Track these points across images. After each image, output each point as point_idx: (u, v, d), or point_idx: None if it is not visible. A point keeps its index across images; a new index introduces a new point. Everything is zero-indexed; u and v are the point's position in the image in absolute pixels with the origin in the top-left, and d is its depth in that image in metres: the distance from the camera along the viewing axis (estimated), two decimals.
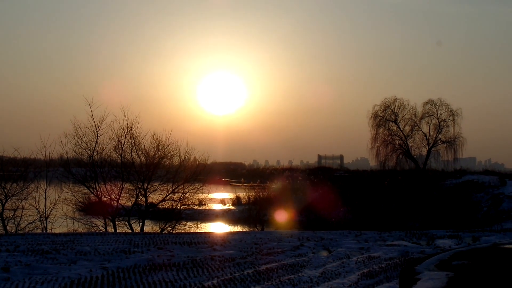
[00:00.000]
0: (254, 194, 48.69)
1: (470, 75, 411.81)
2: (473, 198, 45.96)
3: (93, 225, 32.20)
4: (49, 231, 30.22)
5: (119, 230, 31.66)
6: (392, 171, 55.83)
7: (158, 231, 32.13)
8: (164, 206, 34.22)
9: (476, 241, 23.37)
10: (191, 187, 34.47)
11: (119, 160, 33.58)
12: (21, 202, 31.08)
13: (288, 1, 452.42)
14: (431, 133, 56.98)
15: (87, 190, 32.78)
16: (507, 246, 16.63)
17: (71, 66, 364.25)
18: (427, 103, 57.06)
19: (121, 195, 33.20)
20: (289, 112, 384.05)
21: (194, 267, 16.23)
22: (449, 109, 56.50)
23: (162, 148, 33.58)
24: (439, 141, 56.89)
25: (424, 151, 57.60)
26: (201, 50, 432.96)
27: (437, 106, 56.72)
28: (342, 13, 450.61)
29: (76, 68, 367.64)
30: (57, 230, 29.95)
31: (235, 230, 39.26)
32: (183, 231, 32.15)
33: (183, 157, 34.18)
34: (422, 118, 57.08)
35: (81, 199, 33.06)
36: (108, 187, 33.07)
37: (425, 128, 57.22)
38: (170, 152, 33.84)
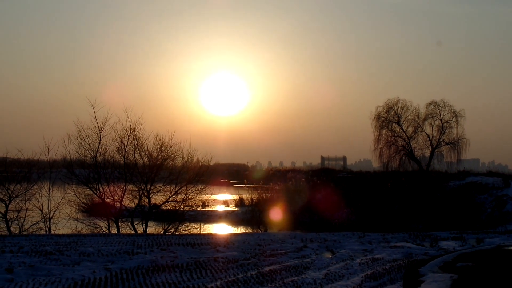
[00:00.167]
0: (257, 196, 48.71)
1: (473, 76, 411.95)
2: (476, 200, 45.85)
3: (97, 226, 32.22)
4: (52, 232, 30.23)
5: (122, 231, 31.70)
6: (395, 173, 55.70)
7: (161, 232, 32.15)
8: (167, 207, 34.24)
9: (480, 243, 23.32)
10: (194, 189, 34.45)
11: (122, 162, 33.64)
12: (25, 203, 31.14)
13: (289, 1, 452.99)
14: (434, 134, 56.88)
15: (90, 191, 32.80)
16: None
17: (73, 67, 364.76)
18: (430, 104, 56.97)
19: (124, 196, 33.23)
20: (292, 113, 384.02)
21: (198, 269, 16.23)
22: (452, 110, 56.40)
23: (165, 149, 33.63)
24: (442, 143, 56.76)
25: (427, 153, 57.47)
26: (203, 51, 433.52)
27: (440, 107, 56.60)
28: (343, 13, 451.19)
29: (78, 69, 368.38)
30: (61, 231, 29.97)
31: (238, 232, 39.27)
32: (186, 232, 32.18)
33: (186, 159, 34.29)
34: (425, 119, 56.97)
35: (84, 200, 33.11)
36: (111, 188, 33.12)
37: (428, 129, 57.13)
38: (173, 154, 33.90)
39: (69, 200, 32.51)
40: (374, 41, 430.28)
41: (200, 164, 35.20)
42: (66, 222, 32.30)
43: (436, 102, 56.79)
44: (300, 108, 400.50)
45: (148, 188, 33.42)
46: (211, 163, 37.43)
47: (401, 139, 57.09)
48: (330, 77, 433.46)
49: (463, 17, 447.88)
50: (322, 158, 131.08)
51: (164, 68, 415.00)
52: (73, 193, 32.61)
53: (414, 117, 57.07)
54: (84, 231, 30.62)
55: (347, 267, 17.40)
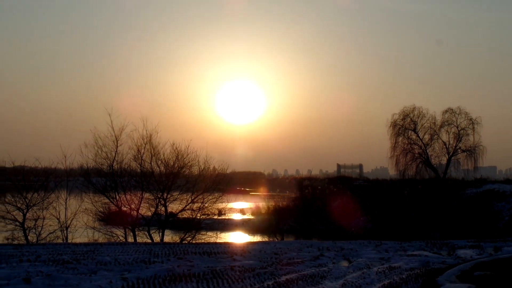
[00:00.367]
0: (273, 204, 48.70)
1: (490, 83, 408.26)
2: (494, 207, 45.56)
3: (113, 235, 32.34)
4: (69, 241, 30.39)
5: (139, 240, 31.77)
6: (411, 180, 55.50)
7: (178, 241, 32.16)
8: (183, 216, 34.25)
9: (498, 251, 23.14)
10: (210, 197, 34.44)
11: (138, 170, 33.68)
12: (42, 212, 31.34)
13: (307, 9, 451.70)
14: (451, 142, 56.66)
15: (107, 200, 32.94)
16: None
17: (90, 76, 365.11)
18: (446, 111, 56.83)
19: (141, 205, 33.28)
20: (308, 121, 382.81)
21: (214, 278, 16.19)
22: (469, 118, 56.19)
23: (181, 157, 33.66)
24: (459, 150, 56.50)
25: (444, 160, 57.23)
26: (219, 58, 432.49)
27: (457, 115, 56.43)
28: (362, 21, 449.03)
29: (94, 78, 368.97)
30: (78, 240, 30.13)
31: (255, 240, 39.24)
32: (202, 241, 32.21)
33: (202, 167, 34.26)
34: (441, 126, 56.77)
35: (101, 209, 33.25)
36: (128, 196, 33.20)
37: (444, 137, 56.94)
38: (189, 162, 33.92)
39: (86, 209, 32.65)
40: (393, 49, 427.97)
41: (217, 172, 35.18)
42: (83, 231, 32.45)
43: (452, 109, 56.68)
44: (317, 115, 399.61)
45: (165, 197, 33.47)
46: (228, 171, 37.43)
47: (417, 146, 56.91)
48: (346, 85, 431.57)
49: (482, 24, 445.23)
50: (339, 166, 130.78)
51: (180, 76, 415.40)
52: (90, 201, 32.75)
53: (430, 125, 56.95)
54: (101, 240, 30.71)
55: (364, 276, 17.29)
